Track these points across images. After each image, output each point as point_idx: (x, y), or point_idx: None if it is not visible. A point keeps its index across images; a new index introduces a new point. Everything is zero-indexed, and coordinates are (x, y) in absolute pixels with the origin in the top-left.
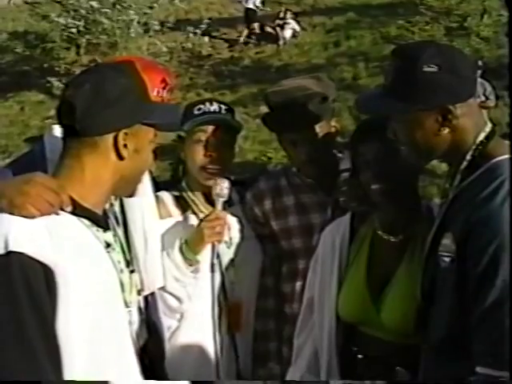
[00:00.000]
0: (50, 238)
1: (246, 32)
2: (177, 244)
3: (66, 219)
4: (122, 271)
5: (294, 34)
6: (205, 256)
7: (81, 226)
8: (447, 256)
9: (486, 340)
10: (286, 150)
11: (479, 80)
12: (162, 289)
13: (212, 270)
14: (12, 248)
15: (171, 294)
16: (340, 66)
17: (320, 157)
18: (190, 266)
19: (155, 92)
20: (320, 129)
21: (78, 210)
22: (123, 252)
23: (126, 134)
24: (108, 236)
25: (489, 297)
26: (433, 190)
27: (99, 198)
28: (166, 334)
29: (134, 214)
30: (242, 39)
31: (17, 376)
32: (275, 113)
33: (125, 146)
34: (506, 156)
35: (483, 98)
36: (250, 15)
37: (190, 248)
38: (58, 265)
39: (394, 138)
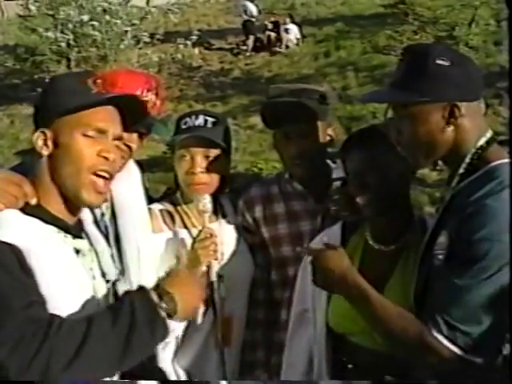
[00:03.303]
0: (16, 224)
1: (250, 41)
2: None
3: (34, 223)
4: (94, 277)
5: (297, 38)
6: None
7: (48, 230)
8: (441, 254)
9: (445, 309)
10: (278, 146)
11: None
12: None
13: (211, 289)
14: None
15: None
16: (330, 76)
17: (310, 156)
18: None
19: (139, 92)
20: (314, 127)
21: (45, 216)
22: (98, 261)
23: (42, 132)
24: (78, 243)
25: (463, 277)
26: (423, 198)
27: (60, 204)
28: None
29: (126, 226)
30: (248, 47)
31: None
32: (272, 103)
33: (45, 144)
34: (504, 161)
35: None
36: (248, 26)
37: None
38: (26, 245)
39: (397, 135)
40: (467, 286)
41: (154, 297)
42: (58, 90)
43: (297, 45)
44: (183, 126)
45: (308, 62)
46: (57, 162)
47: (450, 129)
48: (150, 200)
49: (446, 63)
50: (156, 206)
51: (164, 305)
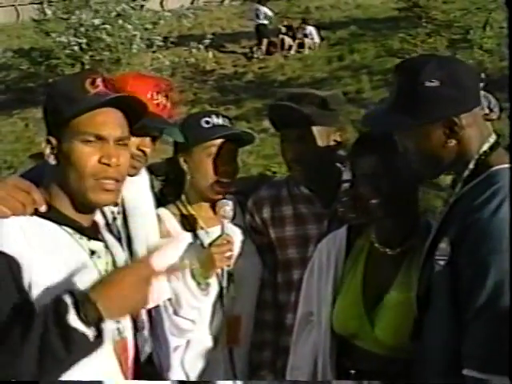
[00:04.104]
0: (21, 235)
1: (264, 45)
2: (187, 269)
3: (46, 225)
4: None
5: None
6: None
7: (62, 232)
8: (442, 259)
9: (474, 342)
10: (280, 149)
11: (483, 93)
12: (175, 313)
13: (221, 294)
14: None
15: (185, 318)
16: (343, 80)
17: (307, 160)
18: (203, 290)
19: (149, 95)
20: (313, 132)
21: (59, 219)
22: (113, 262)
23: (47, 140)
24: (94, 245)
25: (479, 299)
26: (437, 202)
27: (72, 206)
28: (172, 351)
29: (138, 230)
30: (261, 51)
31: None
32: (272, 107)
33: (52, 151)
34: (506, 165)
35: (487, 111)
36: (261, 30)
37: (202, 273)
38: (27, 258)
39: (405, 152)
40: (481, 313)
41: (69, 307)
42: (56, 95)
43: (309, 48)
44: (205, 125)
45: (322, 65)
46: (62, 169)
47: (452, 143)
48: (159, 203)
49: (435, 84)
50: (162, 210)
51: (83, 315)
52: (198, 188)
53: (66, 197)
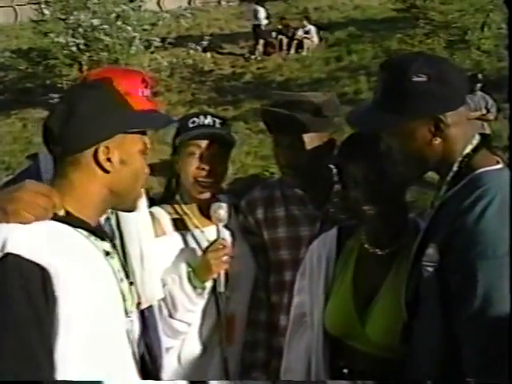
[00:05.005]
0: (48, 242)
1: (260, 45)
2: (183, 271)
3: (64, 228)
4: (121, 280)
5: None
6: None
7: (79, 235)
8: (430, 266)
9: (469, 352)
10: (273, 148)
11: (481, 93)
12: (170, 316)
13: (215, 295)
14: (9, 250)
15: (180, 320)
16: (342, 81)
17: (299, 166)
18: (199, 294)
19: (140, 92)
20: (306, 138)
21: (74, 222)
22: (121, 263)
23: (106, 147)
24: (106, 245)
25: (470, 308)
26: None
27: (93, 211)
28: (164, 351)
29: (130, 230)
30: (258, 51)
31: (15, 376)
32: (264, 111)
33: (108, 159)
34: (491, 167)
35: (484, 111)
36: (257, 31)
37: (198, 278)
38: (56, 267)
39: (388, 151)
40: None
41: None
42: (96, 113)
43: (308, 48)
44: (191, 125)
45: (320, 66)
46: (116, 176)
47: (438, 141)
48: (152, 202)
49: (423, 79)
50: (156, 209)
51: None
52: (185, 187)
53: (94, 200)
